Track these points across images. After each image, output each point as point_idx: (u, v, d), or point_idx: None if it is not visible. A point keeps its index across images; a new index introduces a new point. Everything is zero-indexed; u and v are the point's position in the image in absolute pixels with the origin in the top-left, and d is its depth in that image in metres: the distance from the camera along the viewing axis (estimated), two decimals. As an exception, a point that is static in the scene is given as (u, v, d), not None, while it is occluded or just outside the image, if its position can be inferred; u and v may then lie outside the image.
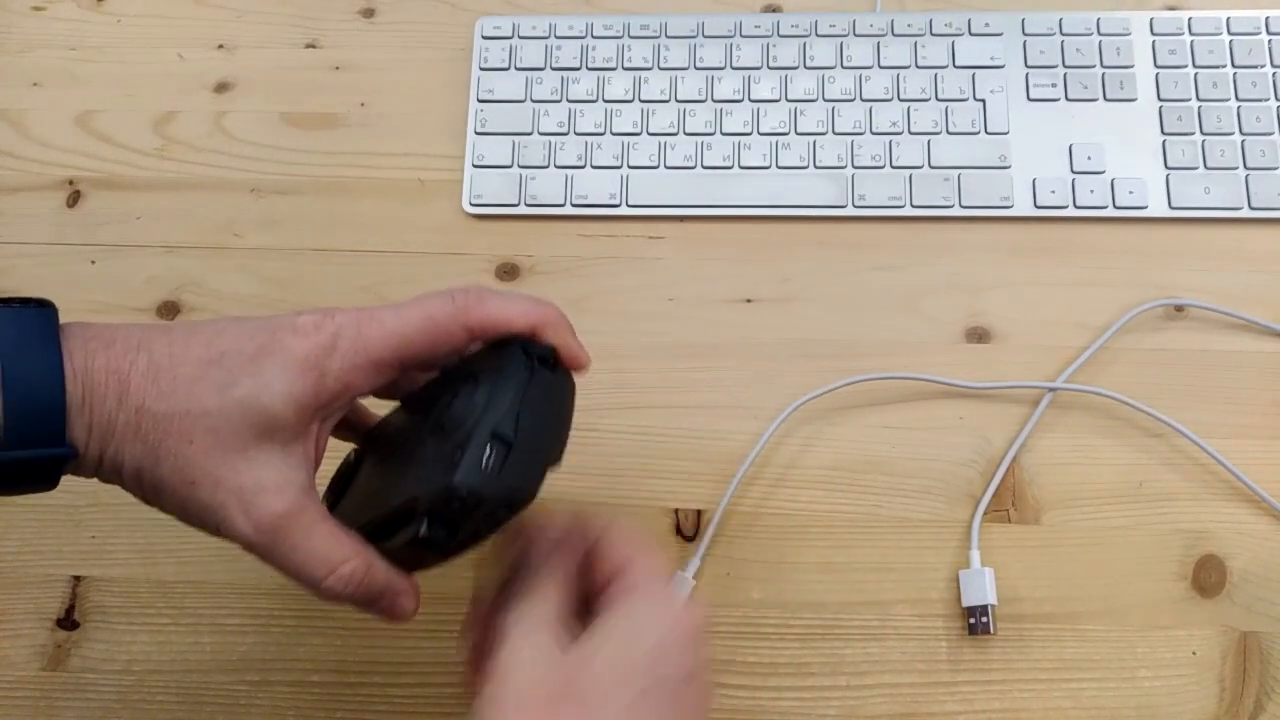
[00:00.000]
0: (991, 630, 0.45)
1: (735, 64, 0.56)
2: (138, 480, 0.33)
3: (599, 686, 0.31)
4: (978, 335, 0.51)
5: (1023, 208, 0.53)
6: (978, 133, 0.54)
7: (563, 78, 0.56)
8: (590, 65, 0.56)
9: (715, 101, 0.55)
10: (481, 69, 0.57)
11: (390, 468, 0.36)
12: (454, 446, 0.31)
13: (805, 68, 0.56)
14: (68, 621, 0.47)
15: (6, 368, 0.31)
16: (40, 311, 0.32)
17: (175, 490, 0.33)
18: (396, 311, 0.35)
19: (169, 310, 0.54)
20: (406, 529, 0.32)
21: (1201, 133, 0.54)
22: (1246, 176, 0.53)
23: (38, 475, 0.32)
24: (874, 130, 0.54)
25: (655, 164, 0.54)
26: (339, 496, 0.38)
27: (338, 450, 0.38)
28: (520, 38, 0.57)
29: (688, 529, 0.48)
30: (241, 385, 0.32)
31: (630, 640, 0.32)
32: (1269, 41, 0.55)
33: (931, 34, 0.56)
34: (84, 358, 0.32)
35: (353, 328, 0.34)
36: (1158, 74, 0.55)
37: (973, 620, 0.45)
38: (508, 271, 0.54)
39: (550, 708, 0.30)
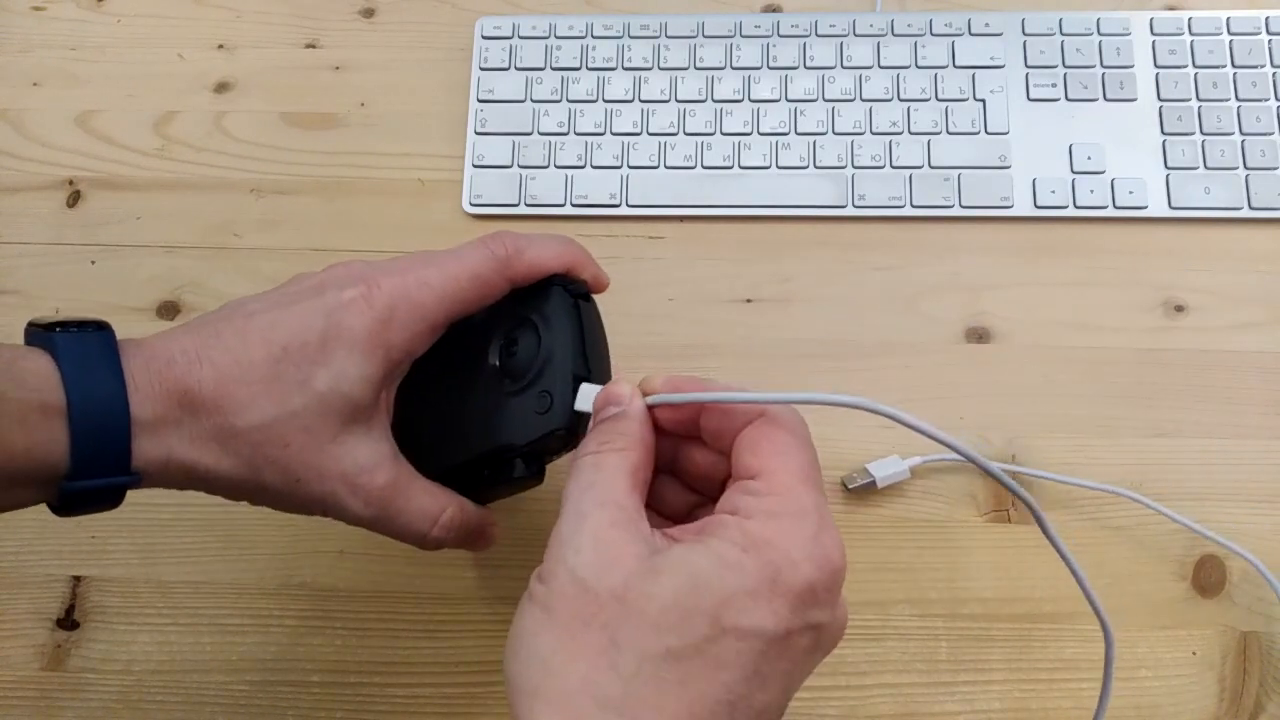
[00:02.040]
0: (848, 487, 0.47)
1: (735, 64, 0.56)
2: (235, 489, 0.34)
3: (636, 624, 0.27)
4: (978, 335, 0.51)
5: (1023, 208, 0.53)
6: (978, 133, 0.54)
7: (563, 78, 0.56)
8: (590, 65, 0.56)
9: (715, 101, 0.55)
10: (481, 69, 0.57)
11: (454, 408, 0.37)
12: (540, 393, 0.35)
13: (805, 68, 0.56)
14: (68, 621, 0.47)
15: (72, 398, 0.31)
16: (100, 335, 0.32)
17: (280, 490, 0.34)
18: (442, 270, 0.35)
19: (169, 310, 0.54)
20: (499, 469, 0.36)
21: (1201, 133, 0.54)
22: (1246, 176, 0.53)
23: (104, 499, 0.33)
24: (874, 130, 0.54)
25: (655, 164, 0.54)
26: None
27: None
28: (520, 38, 0.57)
29: (688, 529, 0.48)
30: (319, 378, 0.33)
31: (713, 571, 0.27)
32: (1269, 41, 0.55)
33: (931, 34, 0.56)
34: (148, 379, 0.32)
35: (405, 297, 0.34)
36: (1158, 74, 0.55)
37: (851, 486, 0.47)
38: (508, 271, 0.53)
39: (581, 627, 0.27)
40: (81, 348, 0.31)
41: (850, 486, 0.47)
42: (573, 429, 0.35)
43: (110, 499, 0.33)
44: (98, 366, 0.31)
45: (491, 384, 0.37)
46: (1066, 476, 0.47)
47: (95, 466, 0.31)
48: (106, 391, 0.31)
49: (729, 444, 0.32)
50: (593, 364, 0.36)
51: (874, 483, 0.47)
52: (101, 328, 0.33)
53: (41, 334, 0.32)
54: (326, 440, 0.33)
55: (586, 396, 0.34)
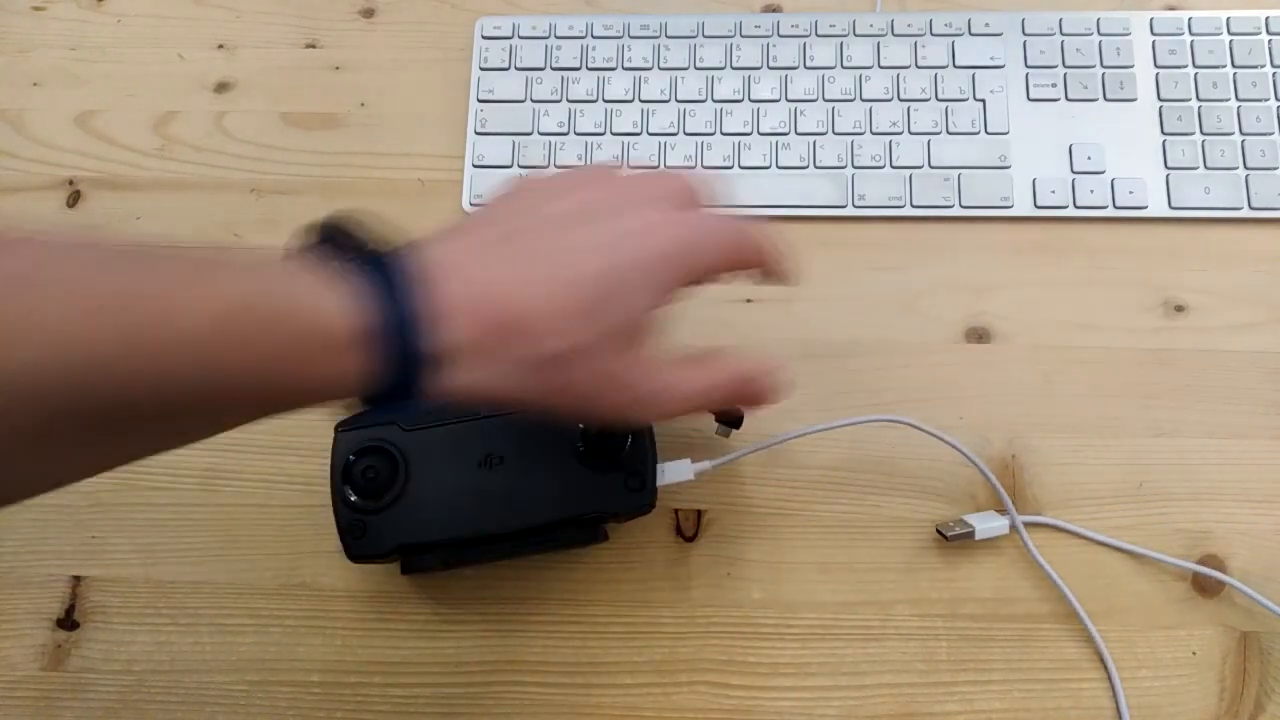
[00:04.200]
0: (945, 536, 0.46)
1: (735, 64, 0.56)
2: (517, 407, 0.35)
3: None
4: (978, 335, 0.51)
5: (1023, 208, 0.53)
6: (978, 133, 0.54)
7: (563, 78, 0.56)
8: (590, 65, 0.56)
9: (715, 101, 0.55)
10: (481, 69, 0.57)
11: (528, 478, 0.43)
12: (632, 472, 0.43)
13: (805, 68, 0.56)
14: (68, 621, 0.47)
15: (386, 328, 0.30)
16: (408, 264, 0.32)
17: (564, 407, 0.35)
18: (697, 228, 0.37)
19: (169, 310, 0.54)
20: (584, 531, 0.44)
21: (1201, 133, 0.53)
22: (1246, 176, 0.53)
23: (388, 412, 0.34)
24: (874, 130, 0.54)
25: (655, 164, 0.54)
26: (391, 501, 0.43)
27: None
28: (520, 38, 0.57)
29: (688, 529, 0.48)
30: (622, 305, 0.34)
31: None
32: (1269, 41, 0.55)
33: (931, 34, 0.56)
34: (464, 309, 0.32)
35: (678, 238, 0.36)
36: (1158, 74, 0.55)
37: (949, 535, 0.46)
38: (508, 271, 0.53)
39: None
40: (395, 277, 0.31)
41: (948, 535, 0.46)
42: (654, 504, 0.44)
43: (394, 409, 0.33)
44: (411, 295, 0.31)
45: (575, 461, 0.43)
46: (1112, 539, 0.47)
47: (395, 393, 0.31)
48: (419, 326, 0.31)
49: None
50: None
51: (972, 533, 0.46)
52: (402, 255, 0.32)
53: (350, 262, 0.31)
54: (614, 359, 0.35)
55: (661, 474, 0.44)
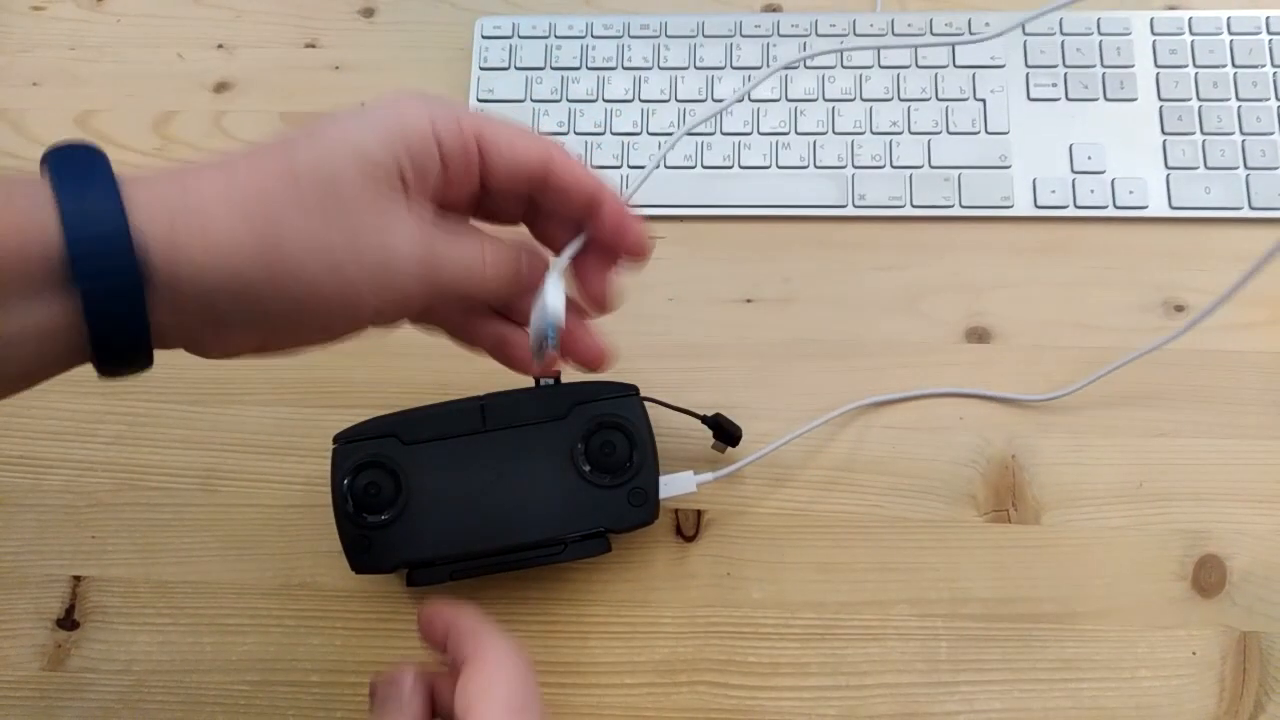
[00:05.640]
0: None
1: (735, 64, 0.56)
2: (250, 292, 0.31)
3: None
4: (978, 335, 0.51)
5: (1023, 208, 0.53)
6: (978, 132, 0.54)
7: (563, 78, 0.56)
8: (590, 65, 0.56)
9: (715, 101, 0.55)
10: (481, 69, 0.57)
11: (519, 495, 0.44)
12: (635, 489, 0.44)
13: (805, 67, 0.56)
14: (67, 621, 0.47)
15: (63, 205, 0.28)
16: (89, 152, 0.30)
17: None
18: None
19: (169, 310, 0.54)
20: (587, 547, 0.44)
21: (1202, 132, 0.53)
22: (1247, 176, 0.52)
23: (122, 310, 0.29)
24: (874, 130, 0.54)
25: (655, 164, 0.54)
26: (395, 516, 0.44)
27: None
28: (520, 38, 0.57)
29: (688, 529, 0.48)
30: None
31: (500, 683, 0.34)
32: (1269, 41, 0.55)
33: (932, 34, 0.56)
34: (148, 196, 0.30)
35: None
36: (1158, 74, 0.55)
37: None
38: (508, 271, 0.53)
39: None
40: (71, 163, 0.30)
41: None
42: (657, 516, 0.45)
43: (129, 313, 0.29)
44: (94, 181, 0.30)
45: (575, 475, 0.44)
46: None
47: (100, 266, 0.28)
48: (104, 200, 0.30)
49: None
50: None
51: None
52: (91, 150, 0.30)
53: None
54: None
55: (663, 486, 0.45)
